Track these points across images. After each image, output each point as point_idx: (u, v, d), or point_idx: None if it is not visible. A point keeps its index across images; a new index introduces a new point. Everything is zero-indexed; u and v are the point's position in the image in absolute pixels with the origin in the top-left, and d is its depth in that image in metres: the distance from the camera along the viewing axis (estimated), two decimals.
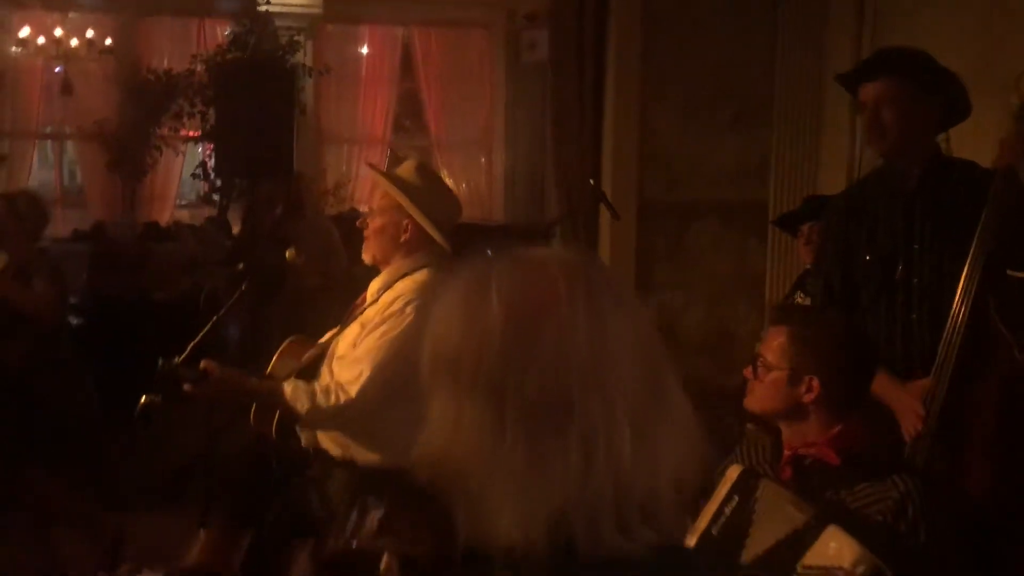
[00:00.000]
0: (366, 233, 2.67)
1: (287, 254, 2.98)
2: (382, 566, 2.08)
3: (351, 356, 2.58)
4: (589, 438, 0.85)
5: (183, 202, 9.17)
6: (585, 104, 4.92)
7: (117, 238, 7.05)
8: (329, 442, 2.65)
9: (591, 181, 4.20)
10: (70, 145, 8.92)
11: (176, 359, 2.52)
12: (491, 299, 0.88)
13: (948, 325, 2.46)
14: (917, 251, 2.54)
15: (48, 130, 8.82)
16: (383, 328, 2.53)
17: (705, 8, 4.76)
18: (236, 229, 7.22)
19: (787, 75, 4.80)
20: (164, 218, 8.41)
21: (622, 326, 0.88)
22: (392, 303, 2.56)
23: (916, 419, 2.49)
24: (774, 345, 2.08)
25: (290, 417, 2.59)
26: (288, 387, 2.54)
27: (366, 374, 2.50)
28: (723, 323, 4.73)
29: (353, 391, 2.50)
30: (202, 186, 7.70)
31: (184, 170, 8.58)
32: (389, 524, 2.11)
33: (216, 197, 7.67)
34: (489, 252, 0.93)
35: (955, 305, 2.44)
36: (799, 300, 3.71)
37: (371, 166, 2.84)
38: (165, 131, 7.85)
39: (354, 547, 2.11)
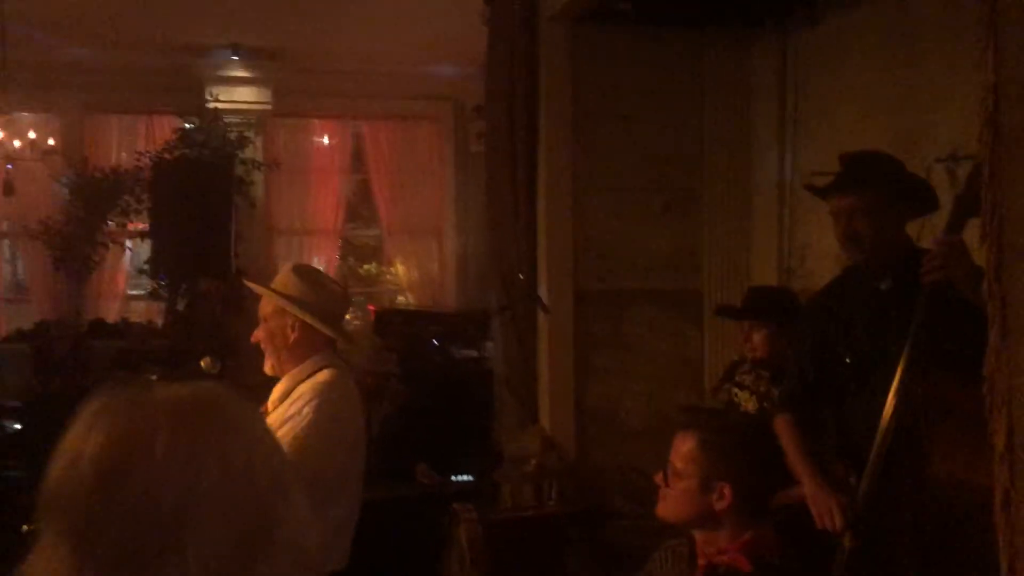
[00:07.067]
0: (260, 346, 2.66)
1: (202, 363, 2.94)
2: None
3: None
4: None
5: (138, 292, 9.03)
6: (519, 195, 4.95)
7: (60, 337, 6.94)
8: None
9: (520, 276, 4.21)
10: (14, 243, 8.81)
11: None
12: (88, 436, 0.85)
13: (880, 428, 2.43)
14: (894, 352, 2.48)
15: None
16: (282, 431, 2.50)
17: (633, 101, 4.86)
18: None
19: (715, 165, 4.90)
20: (111, 314, 8.31)
21: (228, 472, 0.86)
22: (291, 406, 2.56)
23: (833, 515, 2.48)
24: (683, 451, 2.02)
25: None
26: None
27: None
28: (662, 409, 4.71)
29: None
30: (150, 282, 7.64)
31: (135, 263, 8.52)
32: None
33: (164, 293, 7.61)
34: (153, 378, 0.93)
35: (885, 409, 2.43)
36: (730, 391, 3.70)
37: (247, 283, 2.81)
38: (112, 226, 7.82)
39: None
